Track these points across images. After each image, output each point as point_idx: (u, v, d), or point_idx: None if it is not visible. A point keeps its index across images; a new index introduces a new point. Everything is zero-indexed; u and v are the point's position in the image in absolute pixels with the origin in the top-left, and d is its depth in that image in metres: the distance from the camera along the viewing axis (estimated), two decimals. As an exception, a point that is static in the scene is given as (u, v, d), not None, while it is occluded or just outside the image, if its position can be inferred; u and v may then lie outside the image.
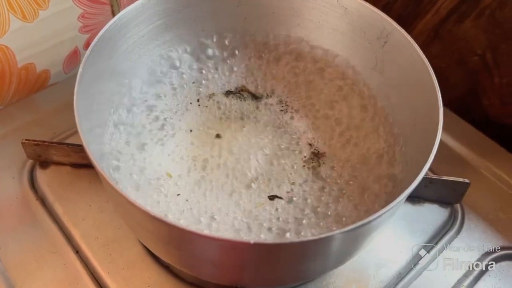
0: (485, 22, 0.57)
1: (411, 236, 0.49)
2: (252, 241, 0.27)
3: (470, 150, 0.58)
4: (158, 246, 0.36)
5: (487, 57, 0.59)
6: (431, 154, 0.35)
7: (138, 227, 0.36)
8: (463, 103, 0.63)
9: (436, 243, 0.50)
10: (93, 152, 0.32)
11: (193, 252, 0.32)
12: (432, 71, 0.40)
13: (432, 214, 0.51)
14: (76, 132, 0.55)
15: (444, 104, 0.39)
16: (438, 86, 0.39)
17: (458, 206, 0.53)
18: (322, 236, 0.28)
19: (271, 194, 0.44)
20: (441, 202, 0.52)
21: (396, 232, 0.49)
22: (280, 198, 0.43)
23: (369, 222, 0.30)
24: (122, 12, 0.42)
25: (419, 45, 0.42)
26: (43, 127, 0.57)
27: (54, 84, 0.62)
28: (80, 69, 0.37)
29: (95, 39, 0.39)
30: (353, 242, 0.34)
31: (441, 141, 0.60)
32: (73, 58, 0.62)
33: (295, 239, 0.28)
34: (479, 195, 0.54)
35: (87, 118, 0.38)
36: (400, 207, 0.39)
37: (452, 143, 0.59)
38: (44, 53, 0.59)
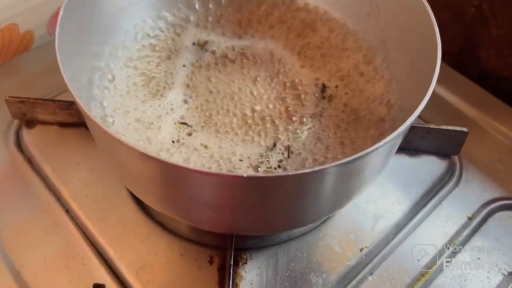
0: (482, -30, 0.55)
1: (409, 188, 0.49)
2: (245, 175, 0.26)
3: (467, 103, 0.57)
4: (152, 193, 0.35)
5: (484, 7, 0.57)
6: (429, 89, 0.33)
7: (130, 176, 0.35)
8: (460, 57, 0.62)
9: (434, 195, 0.49)
10: (77, 93, 0.31)
11: (187, 194, 0.31)
12: (430, 9, 0.39)
13: (430, 166, 0.51)
14: (62, 93, 0.55)
15: (441, 59, 0.37)
16: (436, 23, 0.38)
17: (456, 158, 0.52)
18: (316, 169, 0.27)
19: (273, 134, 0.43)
20: (439, 154, 0.51)
21: (393, 184, 0.49)
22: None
23: (362, 156, 0.29)
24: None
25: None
26: (28, 88, 0.55)
27: (39, 47, 0.60)
28: (61, 12, 0.35)
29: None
30: (348, 180, 0.33)
31: (438, 94, 0.59)
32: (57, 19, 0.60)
33: (287, 172, 0.27)
34: (477, 147, 0.53)
35: (71, 65, 0.36)
36: (395, 148, 0.38)
37: (449, 97, 0.58)
38: (27, 13, 0.56)
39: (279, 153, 0.41)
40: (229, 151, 0.41)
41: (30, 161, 0.48)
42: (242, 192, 0.29)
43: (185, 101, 0.45)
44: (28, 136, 0.50)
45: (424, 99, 0.32)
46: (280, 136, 0.43)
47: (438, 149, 0.50)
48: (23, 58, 0.59)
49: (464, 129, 0.48)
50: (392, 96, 0.44)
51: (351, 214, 0.46)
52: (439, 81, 0.35)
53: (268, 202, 0.30)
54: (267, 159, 0.41)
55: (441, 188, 0.50)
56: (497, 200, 0.49)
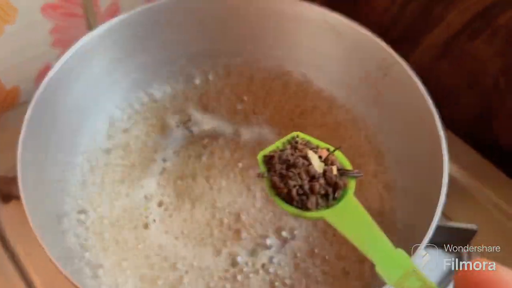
0: (500, 42, 0.51)
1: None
2: None
3: (477, 182, 0.53)
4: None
5: (500, 80, 0.53)
6: (433, 221, 0.30)
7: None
8: (472, 127, 0.57)
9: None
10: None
11: None
12: (434, 107, 0.37)
13: (437, 260, 0.47)
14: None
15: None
16: (440, 124, 0.36)
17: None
18: None
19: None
20: (447, 247, 0.47)
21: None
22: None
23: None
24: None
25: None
26: (12, 149, 0.52)
27: (25, 103, 0.57)
28: (27, 117, 0.33)
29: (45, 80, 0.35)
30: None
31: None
32: (46, 75, 0.57)
33: None
34: (487, 235, 0.48)
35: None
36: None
37: (457, 174, 0.53)
38: (13, 69, 0.54)
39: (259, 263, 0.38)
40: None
41: (3, 242, 0.45)
42: None
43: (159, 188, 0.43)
44: (2, 211, 0.47)
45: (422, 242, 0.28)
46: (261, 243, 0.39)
47: (445, 242, 0.46)
48: (7, 116, 0.56)
49: (474, 227, 0.44)
50: (397, 194, 0.40)
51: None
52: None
53: None
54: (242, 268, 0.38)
55: (449, 283, 0.46)
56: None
